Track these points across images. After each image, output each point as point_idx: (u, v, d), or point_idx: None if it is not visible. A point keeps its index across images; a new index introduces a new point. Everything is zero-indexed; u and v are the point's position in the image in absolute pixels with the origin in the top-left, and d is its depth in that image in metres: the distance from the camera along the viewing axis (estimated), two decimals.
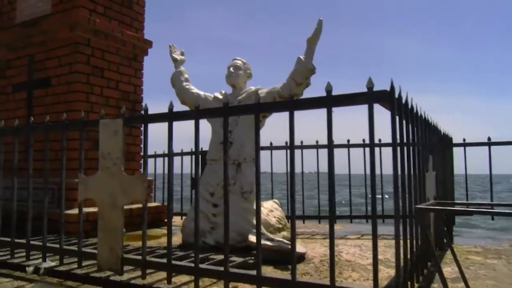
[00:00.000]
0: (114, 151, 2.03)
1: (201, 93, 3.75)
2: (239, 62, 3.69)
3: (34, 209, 2.55)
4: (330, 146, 1.59)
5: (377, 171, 4.57)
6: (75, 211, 2.76)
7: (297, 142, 4.58)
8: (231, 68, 3.63)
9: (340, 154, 4.55)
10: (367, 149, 4.43)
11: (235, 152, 3.42)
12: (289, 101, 1.66)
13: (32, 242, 2.52)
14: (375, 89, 1.49)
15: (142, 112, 2.11)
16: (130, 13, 4.58)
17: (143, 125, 2.04)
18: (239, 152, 3.40)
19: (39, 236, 2.61)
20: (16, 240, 2.58)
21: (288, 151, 4.51)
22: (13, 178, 2.63)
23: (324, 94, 1.64)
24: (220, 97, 3.64)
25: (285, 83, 3.36)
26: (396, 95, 1.56)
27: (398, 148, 1.52)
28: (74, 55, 4.02)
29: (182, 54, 3.96)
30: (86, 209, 3.61)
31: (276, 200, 3.92)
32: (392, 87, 1.49)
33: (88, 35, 4.07)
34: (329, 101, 1.57)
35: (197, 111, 1.82)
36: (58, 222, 2.40)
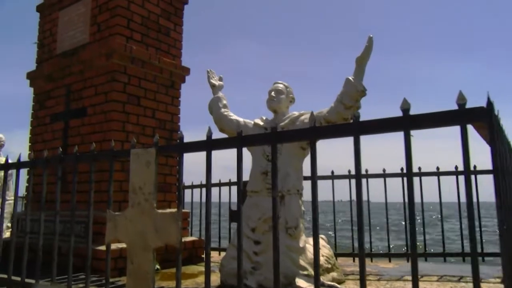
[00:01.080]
0: (146, 185, 1.78)
1: (241, 119, 3.50)
2: (281, 85, 3.44)
3: (64, 244, 2.34)
4: (410, 174, 1.26)
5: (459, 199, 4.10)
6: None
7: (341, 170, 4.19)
8: (273, 92, 3.38)
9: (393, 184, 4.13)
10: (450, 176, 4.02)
11: (279, 183, 3.11)
12: (354, 124, 1.35)
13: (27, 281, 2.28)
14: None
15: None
16: (167, 40, 4.47)
17: (178, 155, 1.79)
18: (282, 183, 3.10)
19: (65, 275, 2.37)
20: (13, 278, 2.37)
21: (352, 180, 4.32)
22: (40, 211, 2.44)
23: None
24: (261, 123, 3.38)
25: (332, 106, 3.07)
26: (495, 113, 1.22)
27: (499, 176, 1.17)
28: (110, 83, 3.90)
29: (220, 79, 3.76)
30: (120, 245, 3.40)
31: (323, 236, 3.55)
32: (490, 103, 1.16)
33: (125, 62, 3.97)
34: (407, 122, 1.25)
35: (240, 138, 1.55)
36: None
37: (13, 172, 3.42)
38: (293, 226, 3.00)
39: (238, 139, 1.54)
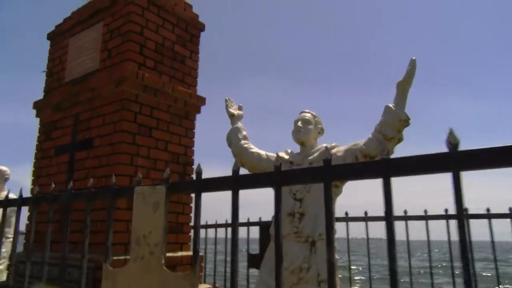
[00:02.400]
0: (152, 234, 1.38)
1: (262, 152, 3.12)
2: (309, 115, 3.06)
3: None
4: (460, 216, 0.84)
5: None
6: None
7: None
8: (299, 123, 3.00)
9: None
10: None
11: (308, 226, 2.68)
12: (383, 163, 0.99)
13: None
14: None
15: (194, 175, 1.48)
16: (182, 68, 4.18)
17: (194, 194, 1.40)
18: (313, 227, 2.67)
19: None
20: None
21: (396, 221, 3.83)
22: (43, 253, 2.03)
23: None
24: (286, 157, 2.99)
25: (370, 138, 2.67)
26: None
27: None
28: (120, 112, 3.58)
29: (239, 108, 3.41)
30: None
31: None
32: None
33: (136, 90, 3.66)
34: (452, 162, 0.85)
35: (280, 174, 1.15)
36: None
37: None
38: (327, 279, 2.54)
39: (277, 175, 1.14)
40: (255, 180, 1.25)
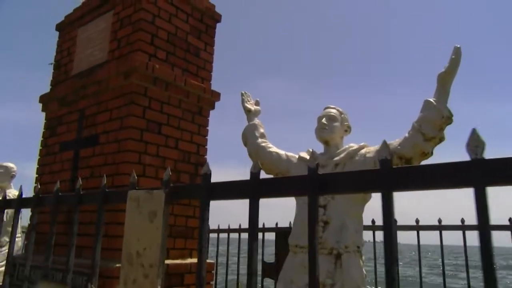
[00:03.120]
0: (148, 251, 1.08)
1: (282, 152, 2.80)
2: (334, 111, 2.73)
3: None
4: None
5: None
6: None
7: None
8: (324, 119, 2.68)
9: None
10: None
11: (333, 237, 2.36)
12: (476, 162, 0.65)
13: None
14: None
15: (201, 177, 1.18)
16: (196, 61, 3.89)
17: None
18: (338, 238, 2.35)
19: None
20: None
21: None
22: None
23: None
24: (308, 157, 2.67)
25: (406, 137, 2.33)
26: None
27: None
28: (128, 107, 3.31)
29: (256, 104, 3.10)
30: None
31: None
32: None
33: (146, 83, 3.38)
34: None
35: (317, 177, 0.84)
36: None
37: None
38: None
39: (314, 180, 0.83)
40: (282, 186, 0.93)
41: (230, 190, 0.99)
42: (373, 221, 3.64)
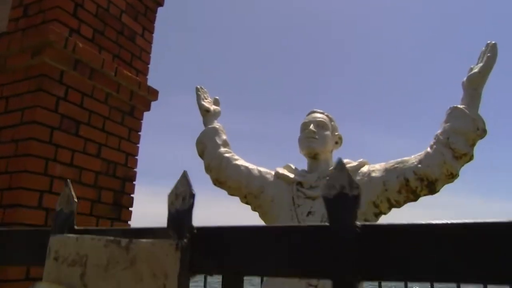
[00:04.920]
0: None
1: (253, 167, 2.12)
2: (323, 116, 2.14)
3: None
4: None
5: None
6: None
7: None
8: (312, 126, 2.06)
9: None
10: None
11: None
12: None
13: None
14: None
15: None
16: (131, 47, 3.07)
17: None
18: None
19: None
20: None
21: None
22: None
23: None
24: (291, 175, 2.02)
25: (428, 153, 1.79)
26: None
27: None
28: (34, 95, 2.38)
29: (216, 102, 2.41)
30: None
31: None
32: None
33: (63, 65, 2.49)
34: None
35: None
36: None
37: None
38: None
39: None
40: None
41: None
42: None
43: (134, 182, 2.94)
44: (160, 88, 3.18)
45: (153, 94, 3.13)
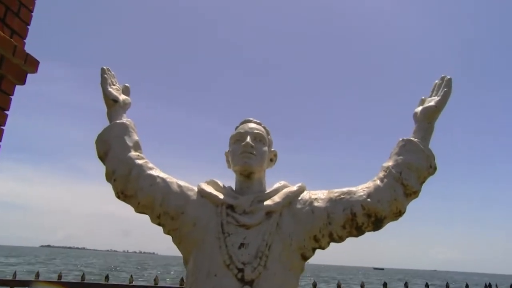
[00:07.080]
0: None
1: (171, 180, 1.70)
2: (260, 128, 1.83)
3: None
4: None
5: None
6: None
7: None
8: (249, 139, 1.74)
9: None
10: None
11: None
12: None
13: None
14: None
15: None
16: None
17: None
18: None
19: None
20: None
21: None
22: None
23: None
24: (220, 195, 1.66)
25: (378, 186, 1.62)
26: None
27: None
28: None
29: (126, 90, 1.93)
30: None
31: None
32: None
33: None
34: None
35: None
36: None
37: None
38: None
39: None
40: None
41: None
42: None
43: None
44: (41, 58, 2.49)
45: (32, 64, 2.42)
